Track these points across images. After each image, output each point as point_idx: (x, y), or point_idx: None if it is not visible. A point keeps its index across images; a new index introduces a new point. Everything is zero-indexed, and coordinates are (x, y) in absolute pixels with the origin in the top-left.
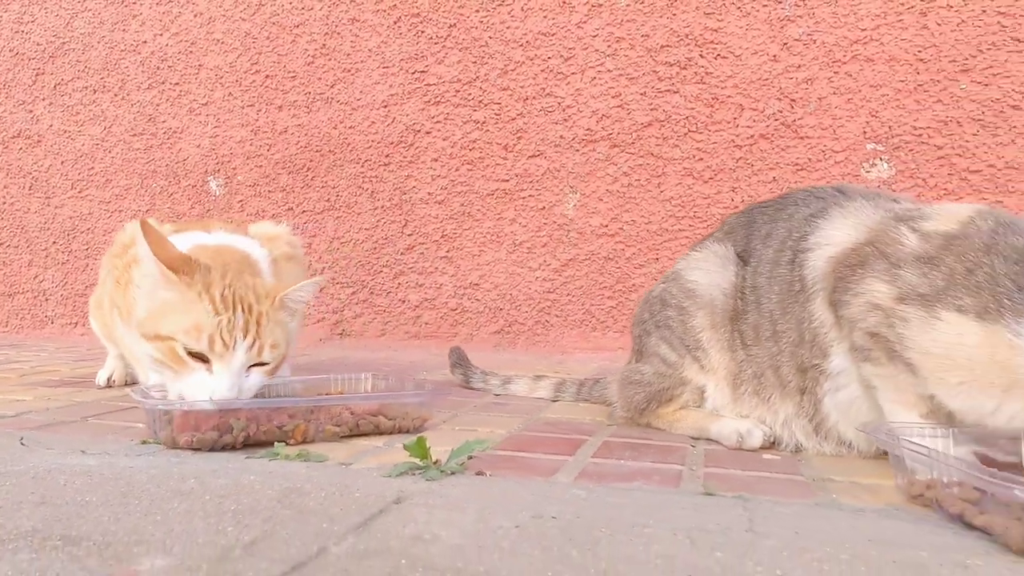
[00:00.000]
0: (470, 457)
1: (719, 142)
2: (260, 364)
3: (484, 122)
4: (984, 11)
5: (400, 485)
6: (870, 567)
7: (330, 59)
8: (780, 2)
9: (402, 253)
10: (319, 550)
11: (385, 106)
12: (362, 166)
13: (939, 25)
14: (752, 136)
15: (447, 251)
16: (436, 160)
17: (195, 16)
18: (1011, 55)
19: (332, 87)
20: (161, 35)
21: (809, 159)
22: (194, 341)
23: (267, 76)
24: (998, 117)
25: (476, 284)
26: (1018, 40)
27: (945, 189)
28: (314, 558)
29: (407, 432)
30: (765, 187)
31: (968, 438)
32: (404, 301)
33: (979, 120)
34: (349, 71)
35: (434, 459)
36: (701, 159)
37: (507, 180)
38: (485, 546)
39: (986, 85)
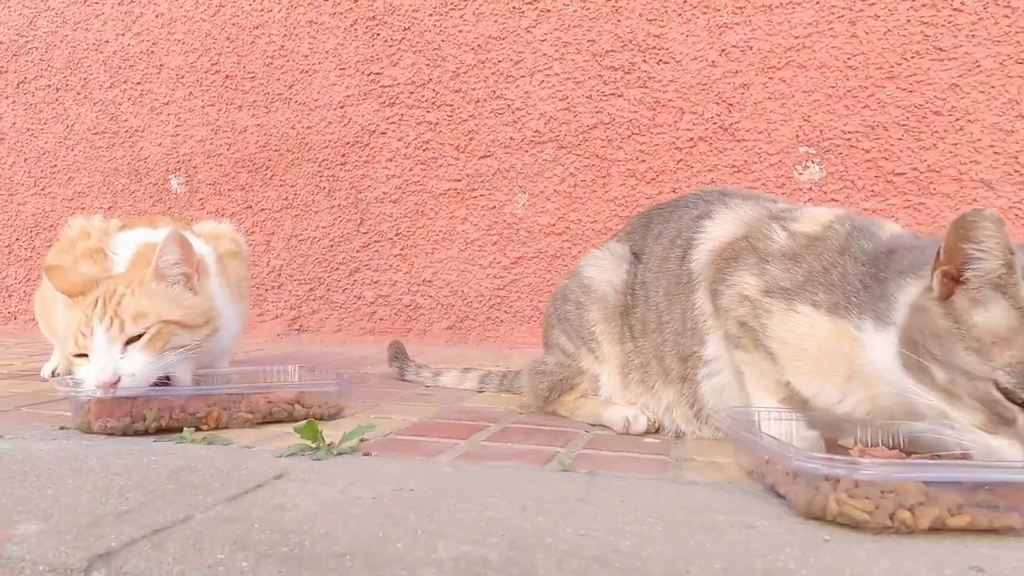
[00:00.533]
0: (363, 440)
1: (660, 144)
2: (136, 340)
3: (437, 123)
4: (909, 21)
5: (287, 464)
6: (667, 527)
7: (288, 60)
8: (719, 10)
9: (358, 251)
10: (184, 517)
11: (342, 107)
12: (319, 165)
13: (867, 34)
14: (692, 139)
15: (401, 249)
16: (391, 160)
17: (156, 16)
18: (933, 63)
19: (290, 88)
20: (123, 35)
21: (745, 161)
22: (71, 344)
23: (227, 76)
24: (921, 122)
25: (429, 281)
26: (940, 49)
27: (872, 191)
28: (177, 524)
29: (321, 419)
30: (704, 188)
31: (823, 423)
32: (360, 297)
33: (903, 125)
34: (307, 72)
35: (328, 441)
36: (644, 160)
37: (459, 180)
38: (335, 513)
39: (910, 91)
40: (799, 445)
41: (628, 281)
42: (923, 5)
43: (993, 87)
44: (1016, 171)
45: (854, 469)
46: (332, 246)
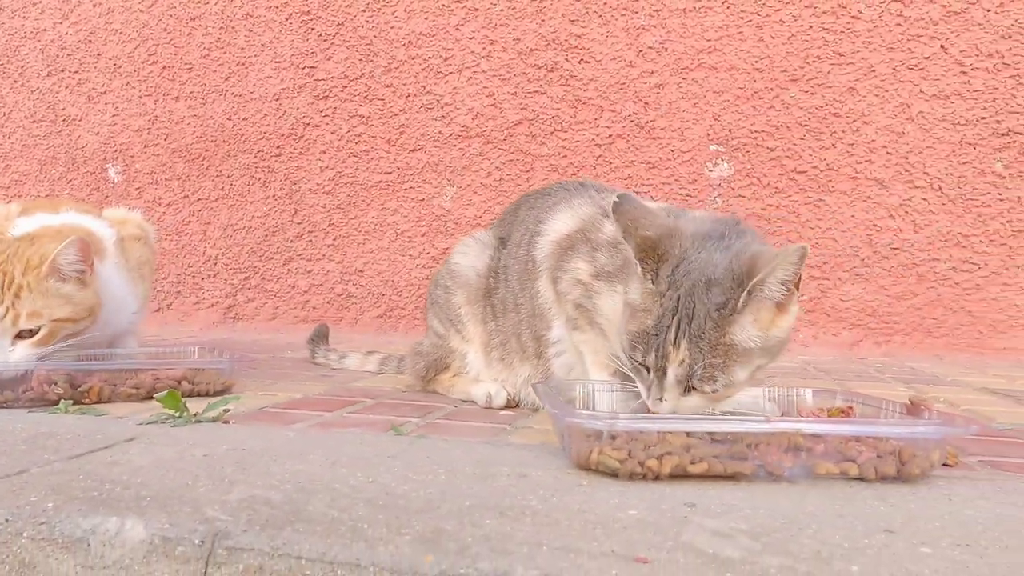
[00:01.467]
0: (226, 411)
1: (581, 141)
2: (27, 335)
3: (369, 117)
4: (811, 27)
5: (144, 430)
6: (450, 476)
7: (225, 52)
8: (636, 12)
9: (292, 241)
10: (20, 471)
11: (277, 99)
12: (255, 157)
13: (773, 38)
14: (610, 136)
15: (334, 239)
16: (324, 152)
17: (94, 6)
18: (833, 67)
19: (227, 80)
20: (61, 23)
21: (660, 158)
22: None
23: (164, 67)
24: (821, 123)
25: (361, 271)
26: (839, 54)
27: (776, 187)
28: (12, 475)
29: (207, 395)
30: (621, 183)
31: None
32: (294, 286)
33: (805, 125)
34: (243, 65)
35: (193, 412)
36: (565, 156)
37: (390, 172)
38: (162, 467)
39: (811, 94)
40: (627, 413)
41: (491, 265)
42: (824, 12)
43: (886, 91)
44: (906, 171)
45: (608, 423)
46: (267, 236)
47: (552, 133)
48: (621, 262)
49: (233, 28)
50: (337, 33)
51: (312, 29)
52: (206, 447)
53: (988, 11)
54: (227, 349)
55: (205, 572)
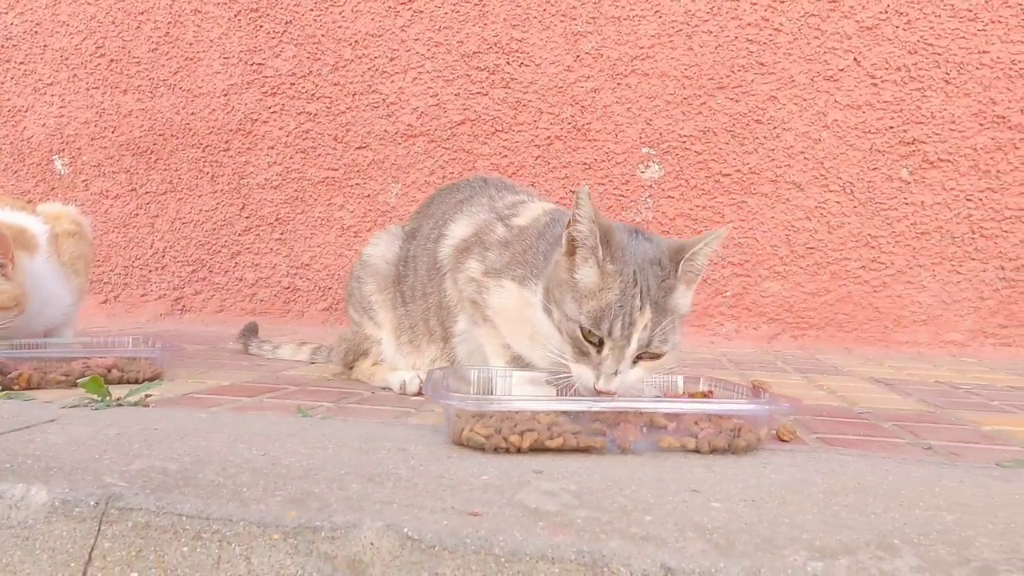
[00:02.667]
0: (148, 395)
1: (521, 141)
2: None
3: (316, 114)
4: (736, 38)
5: (66, 412)
6: (337, 450)
7: (173, 47)
8: (574, 19)
9: (240, 234)
10: None
11: (225, 95)
12: (203, 151)
13: (701, 47)
14: (549, 137)
15: (281, 233)
16: (272, 148)
17: None
18: (756, 76)
19: (175, 74)
20: (6, 14)
21: (595, 159)
22: None
23: (112, 60)
24: (745, 129)
25: (308, 264)
26: (762, 64)
27: (703, 189)
28: None
29: (136, 383)
30: (559, 183)
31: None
32: (241, 279)
33: (730, 131)
34: (192, 60)
35: (116, 397)
36: (506, 156)
37: (337, 169)
38: (75, 444)
39: (736, 101)
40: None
41: (400, 255)
42: (748, 24)
43: (804, 100)
44: (822, 175)
45: (473, 404)
46: (215, 229)
47: (493, 134)
48: (508, 259)
49: (182, 23)
50: (285, 31)
51: (261, 26)
52: (120, 427)
53: (897, 27)
54: (161, 339)
55: (99, 530)
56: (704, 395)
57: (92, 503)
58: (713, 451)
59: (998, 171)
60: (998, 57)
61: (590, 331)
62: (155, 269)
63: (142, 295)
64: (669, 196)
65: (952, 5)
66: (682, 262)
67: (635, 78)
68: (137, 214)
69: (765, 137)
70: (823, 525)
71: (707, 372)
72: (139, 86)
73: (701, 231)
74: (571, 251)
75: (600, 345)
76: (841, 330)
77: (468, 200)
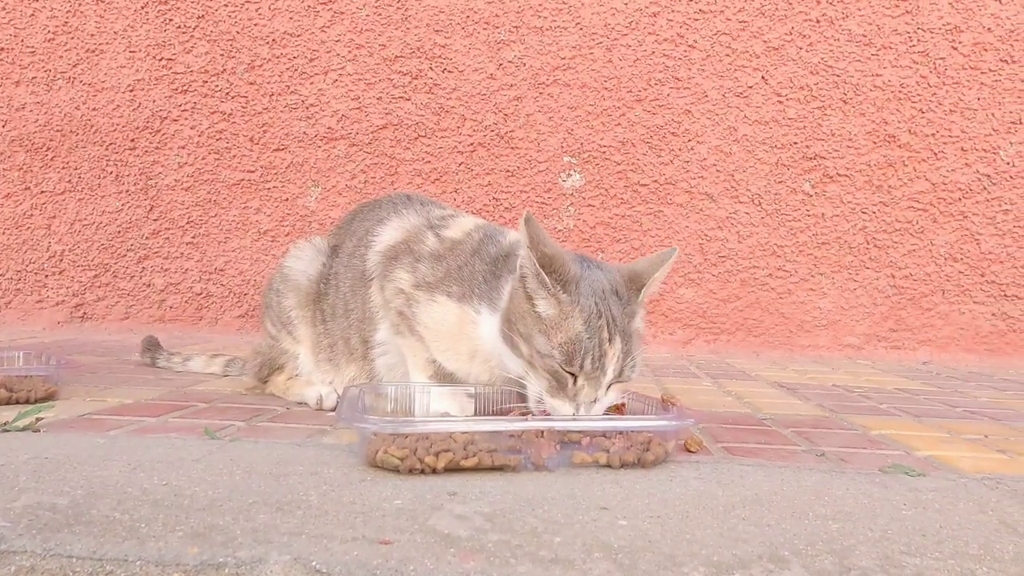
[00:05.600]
0: (39, 419)
1: (444, 147)
2: None
3: (231, 114)
4: (654, 52)
5: None
6: (246, 475)
7: (73, 38)
8: (497, 27)
9: (147, 237)
10: None
11: (131, 90)
12: (107, 149)
13: (620, 60)
14: (472, 144)
15: (193, 237)
16: (183, 148)
17: None
18: (672, 90)
19: (75, 66)
20: None
21: (518, 167)
22: None
23: (2, 49)
24: (661, 141)
25: (221, 270)
26: (678, 79)
27: (622, 199)
28: None
29: (28, 403)
30: (482, 190)
31: (461, 391)
32: (149, 285)
33: (647, 142)
34: (93, 52)
35: (2, 421)
36: (429, 161)
37: (253, 171)
38: None
39: (653, 114)
40: (442, 412)
41: (323, 272)
42: (665, 40)
43: (717, 115)
44: (732, 187)
45: (383, 426)
46: (120, 232)
47: (416, 139)
48: (442, 274)
49: (82, 12)
50: (197, 26)
51: (170, 20)
52: (5, 457)
53: (800, 49)
54: (57, 353)
55: None
56: (617, 408)
57: None
58: (624, 465)
59: (889, 186)
60: (889, 80)
61: (564, 367)
62: (52, 274)
63: (37, 301)
64: (590, 205)
65: (849, 30)
66: (643, 289)
67: (557, 88)
68: (32, 214)
69: (680, 149)
70: (721, 539)
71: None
72: (33, 78)
73: (620, 239)
74: (522, 279)
75: (575, 376)
76: (750, 335)
77: (394, 212)
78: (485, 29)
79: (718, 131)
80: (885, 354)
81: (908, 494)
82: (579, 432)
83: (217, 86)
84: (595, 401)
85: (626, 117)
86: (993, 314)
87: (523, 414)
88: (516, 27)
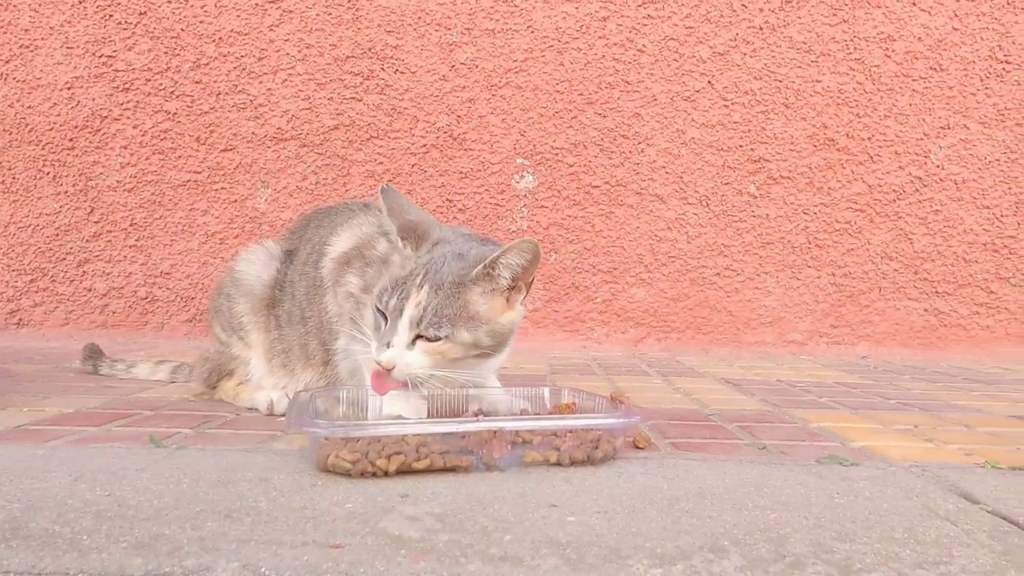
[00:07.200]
0: None
1: (397, 149)
2: None
3: (176, 113)
4: (604, 57)
5: None
6: (193, 484)
7: (5, 33)
8: (449, 29)
9: (88, 240)
10: None
11: (69, 88)
12: (43, 148)
13: (572, 64)
14: (425, 145)
15: (137, 240)
16: (126, 147)
17: None
18: (622, 94)
19: (7, 63)
20: None
21: (471, 168)
22: None
23: None
24: (612, 144)
25: (167, 273)
26: (627, 83)
27: (574, 200)
28: None
29: None
30: (436, 191)
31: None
32: (90, 290)
33: (599, 145)
34: (28, 48)
35: None
36: (381, 163)
37: (200, 172)
38: None
39: (604, 116)
40: (396, 415)
41: (277, 278)
42: (615, 44)
43: (666, 118)
44: (680, 189)
45: (332, 430)
46: (58, 235)
47: (368, 140)
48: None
49: (15, 7)
50: (139, 22)
51: (110, 16)
52: None
53: (744, 55)
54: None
55: None
56: (568, 407)
57: None
58: (573, 463)
59: (829, 188)
60: (828, 86)
61: (375, 306)
62: None
63: None
64: (543, 206)
65: (790, 37)
66: (481, 265)
67: (509, 90)
68: None
69: (631, 152)
70: (664, 532)
71: (577, 378)
72: None
73: (573, 240)
74: (387, 237)
75: (384, 316)
76: (699, 332)
77: (348, 219)
78: (437, 31)
79: (667, 134)
80: (826, 349)
81: (841, 483)
82: (530, 431)
83: (161, 84)
84: (389, 345)
85: (578, 120)
86: (926, 310)
87: (476, 415)
88: (468, 29)
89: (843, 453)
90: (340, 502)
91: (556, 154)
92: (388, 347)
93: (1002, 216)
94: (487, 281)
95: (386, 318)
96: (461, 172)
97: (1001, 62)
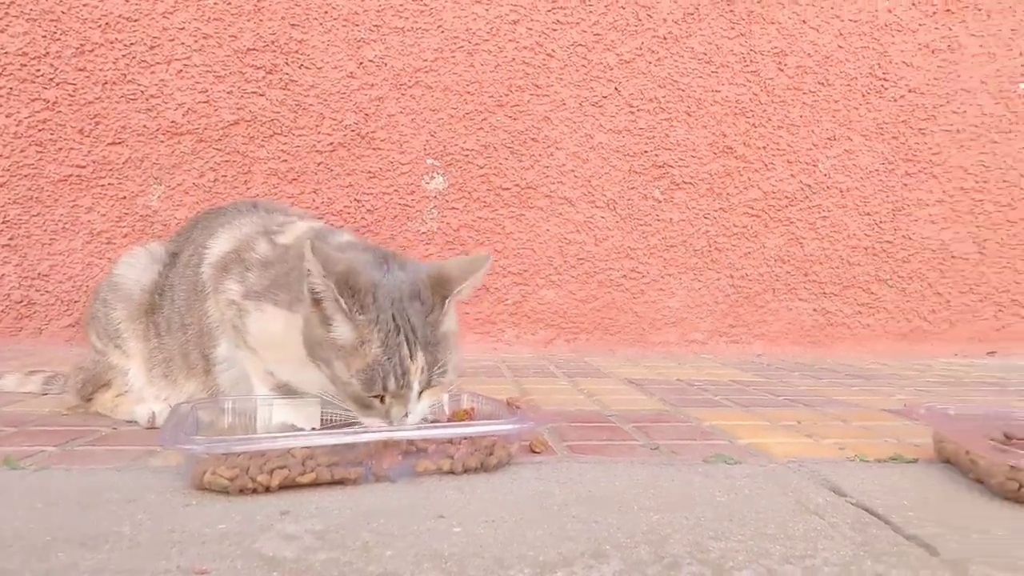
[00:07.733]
0: None
1: (302, 146)
2: None
3: (56, 102)
4: (514, 59)
5: None
6: (50, 507)
7: None
8: (357, 25)
9: None
10: None
11: None
12: None
13: (482, 65)
14: (332, 144)
15: (10, 238)
16: None
17: None
18: (532, 97)
19: None
20: None
21: (380, 168)
22: None
23: None
24: (522, 146)
25: (46, 275)
26: (537, 86)
27: (485, 202)
28: None
29: None
30: (343, 191)
31: (306, 403)
32: None
33: (509, 147)
34: None
35: None
36: (285, 160)
37: (84, 166)
38: None
39: (514, 119)
40: (288, 425)
41: (158, 282)
42: (525, 48)
43: (574, 122)
44: (589, 192)
45: (220, 446)
46: None
47: (271, 136)
48: (268, 281)
49: None
50: (13, 2)
51: None
52: None
53: (650, 63)
54: None
55: None
56: (466, 412)
57: None
58: (467, 471)
59: (727, 194)
60: (727, 96)
61: (365, 393)
62: None
63: None
64: (453, 207)
65: (692, 48)
66: (449, 298)
67: (419, 90)
68: None
69: (540, 155)
70: (549, 539)
71: (485, 381)
72: None
73: (484, 242)
74: (316, 304)
75: (382, 397)
76: (607, 333)
77: (230, 221)
78: (344, 26)
79: (576, 138)
80: (726, 348)
81: (725, 481)
82: (425, 440)
83: (39, 70)
84: (407, 415)
85: (488, 122)
86: (815, 310)
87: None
88: (377, 26)
89: (730, 451)
90: (213, 523)
91: (466, 155)
92: (408, 416)
93: (880, 222)
94: (452, 305)
95: (379, 397)
96: (369, 172)
97: (880, 79)
